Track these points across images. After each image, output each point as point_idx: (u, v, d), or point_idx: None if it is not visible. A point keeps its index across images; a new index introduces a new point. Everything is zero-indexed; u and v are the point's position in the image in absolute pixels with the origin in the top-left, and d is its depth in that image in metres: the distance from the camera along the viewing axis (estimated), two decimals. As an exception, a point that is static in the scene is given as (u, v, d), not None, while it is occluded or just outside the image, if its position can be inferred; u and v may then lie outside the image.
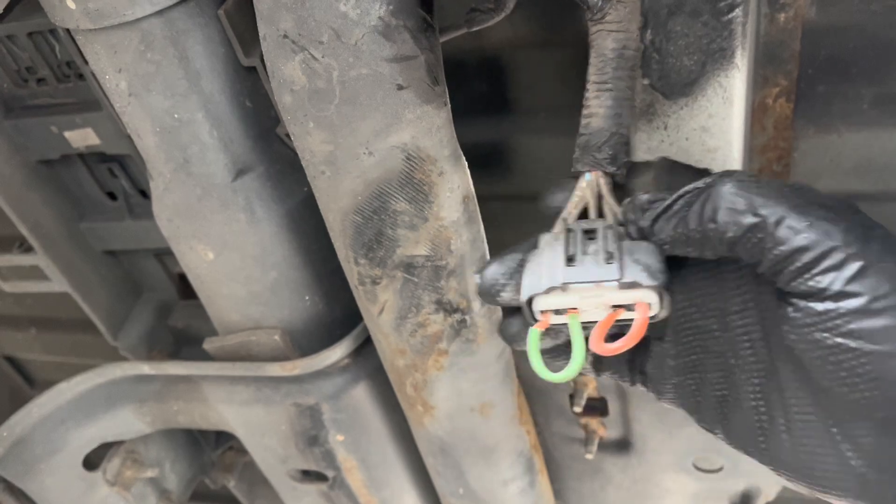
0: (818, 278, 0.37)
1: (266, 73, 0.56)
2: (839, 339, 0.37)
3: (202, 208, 0.63)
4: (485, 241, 0.60)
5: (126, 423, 0.83)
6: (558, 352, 0.51)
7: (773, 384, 0.43)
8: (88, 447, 0.83)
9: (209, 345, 0.74)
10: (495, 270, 0.48)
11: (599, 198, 0.50)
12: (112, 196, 0.84)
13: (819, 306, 0.38)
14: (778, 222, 0.38)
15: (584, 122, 0.49)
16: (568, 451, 0.90)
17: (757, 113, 0.67)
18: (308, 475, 0.86)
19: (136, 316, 0.92)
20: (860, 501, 0.41)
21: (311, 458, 0.81)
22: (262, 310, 0.70)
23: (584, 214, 0.50)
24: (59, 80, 0.73)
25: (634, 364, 0.51)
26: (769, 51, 0.63)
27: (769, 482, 0.86)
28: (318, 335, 0.73)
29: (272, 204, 0.64)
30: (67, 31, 0.58)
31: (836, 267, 0.37)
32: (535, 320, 0.46)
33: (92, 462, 0.85)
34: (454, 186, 0.54)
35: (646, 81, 0.55)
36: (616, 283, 0.43)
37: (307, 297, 0.70)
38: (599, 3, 0.47)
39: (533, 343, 0.46)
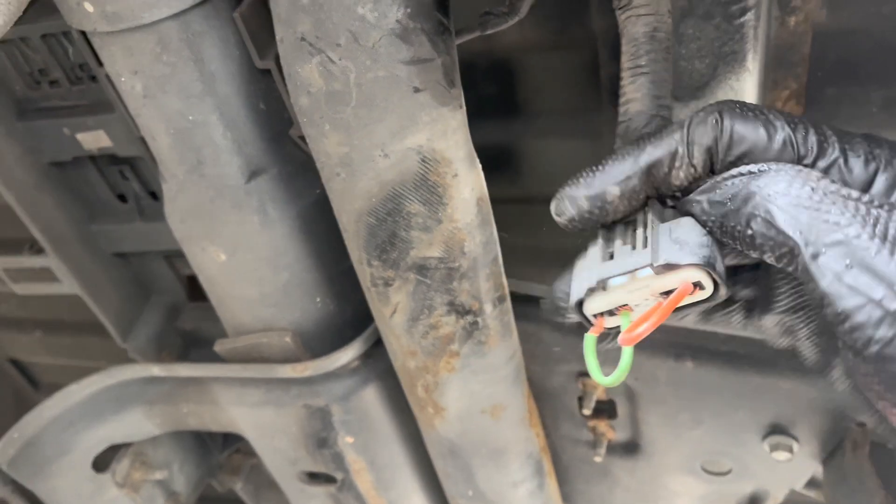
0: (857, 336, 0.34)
1: (280, 75, 0.57)
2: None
3: (215, 209, 0.64)
4: (497, 243, 0.60)
5: (136, 424, 0.83)
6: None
7: None
8: (98, 449, 0.84)
9: (220, 346, 0.75)
10: (556, 287, 0.46)
11: None
12: (122, 198, 0.84)
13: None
14: (815, 256, 0.34)
15: (621, 109, 0.48)
16: (576, 453, 0.90)
17: (767, 116, 0.68)
18: (317, 477, 0.86)
19: (145, 318, 0.92)
20: None
21: (320, 460, 0.81)
22: (274, 311, 0.70)
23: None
24: (72, 82, 0.73)
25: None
26: (779, 54, 0.64)
27: (777, 485, 0.87)
28: (328, 336, 0.73)
29: (285, 205, 0.64)
30: (81, 33, 0.58)
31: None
32: (591, 325, 0.43)
33: (101, 464, 0.86)
34: (468, 188, 0.54)
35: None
36: (650, 269, 0.40)
37: (318, 299, 0.71)
38: None
39: (589, 349, 0.43)
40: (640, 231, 0.42)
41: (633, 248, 0.41)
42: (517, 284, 0.70)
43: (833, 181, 0.37)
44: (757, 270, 0.46)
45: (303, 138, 0.60)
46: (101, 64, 0.59)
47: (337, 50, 0.46)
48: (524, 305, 0.71)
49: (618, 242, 0.43)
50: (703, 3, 0.54)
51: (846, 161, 0.39)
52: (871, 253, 0.34)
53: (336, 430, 0.77)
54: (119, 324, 0.90)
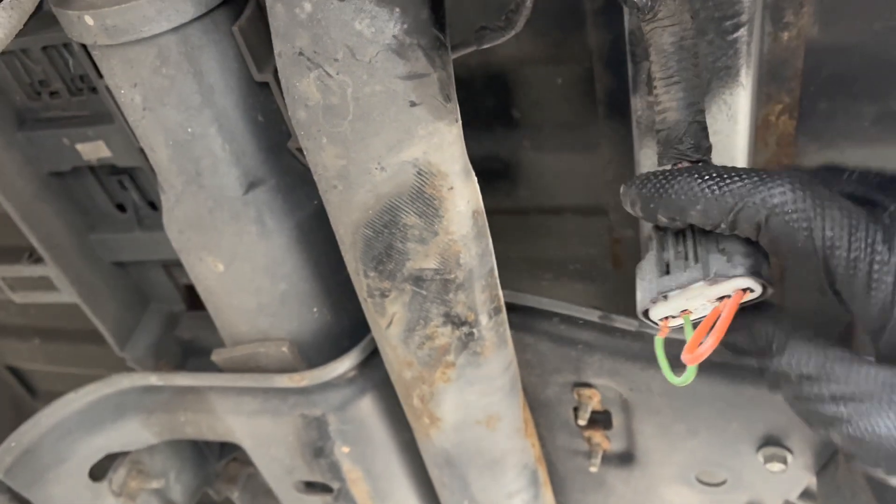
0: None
1: (279, 88, 0.57)
2: None
3: (213, 220, 0.64)
4: (493, 254, 0.60)
5: (133, 433, 0.83)
6: None
7: None
8: (95, 457, 0.84)
9: (217, 356, 0.75)
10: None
11: None
12: (121, 208, 0.84)
13: None
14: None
15: (659, 118, 0.50)
16: (572, 463, 0.90)
17: (760, 130, 0.68)
18: (313, 487, 0.87)
19: (143, 327, 0.92)
20: None
21: (316, 470, 0.81)
22: (271, 321, 0.71)
23: None
24: (72, 93, 0.74)
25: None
26: (773, 69, 0.64)
27: (771, 496, 0.87)
28: (325, 346, 0.73)
29: (283, 216, 0.65)
30: (82, 46, 0.58)
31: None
32: (658, 328, 0.50)
33: (97, 473, 0.86)
34: (464, 201, 0.55)
35: (651, 100, 0.56)
36: (703, 283, 0.46)
37: (315, 309, 0.71)
38: (649, 3, 0.47)
39: (659, 350, 0.50)
40: (689, 243, 0.48)
41: (686, 259, 0.47)
42: (513, 295, 0.71)
43: None
44: None
45: (301, 150, 0.60)
46: (101, 76, 0.59)
47: (334, 64, 0.47)
48: (520, 316, 0.72)
49: (671, 253, 0.49)
50: (696, 19, 0.55)
51: None
52: None
53: (332, 439, 0.77)
54: (117, 332, 0.91)
